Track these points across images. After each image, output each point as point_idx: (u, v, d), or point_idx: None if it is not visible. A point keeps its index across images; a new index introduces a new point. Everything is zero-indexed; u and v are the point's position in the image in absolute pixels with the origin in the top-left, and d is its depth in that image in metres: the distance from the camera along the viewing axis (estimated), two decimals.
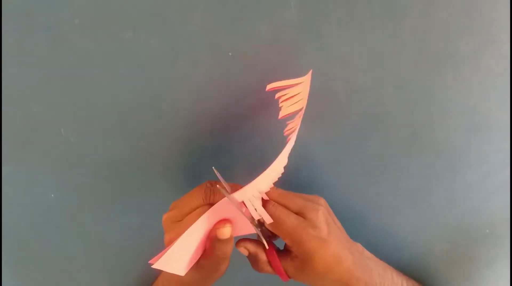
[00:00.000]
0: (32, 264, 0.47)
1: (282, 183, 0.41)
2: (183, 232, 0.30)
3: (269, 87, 0.33)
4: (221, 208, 0.32)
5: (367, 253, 0.38)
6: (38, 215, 0.44)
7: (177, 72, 0.36)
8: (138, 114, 0.38)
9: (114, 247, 0.46)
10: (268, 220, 0.33)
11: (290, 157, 0.38)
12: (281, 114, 0.34)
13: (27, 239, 0.45)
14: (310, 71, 0.34)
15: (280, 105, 0.34)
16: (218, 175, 0.34)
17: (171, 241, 0.32)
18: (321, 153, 0.40)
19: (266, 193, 0.35)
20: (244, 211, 0.33)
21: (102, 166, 0.41)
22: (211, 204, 0.33)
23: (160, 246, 0.35)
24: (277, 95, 0.34)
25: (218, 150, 0.40)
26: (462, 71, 0.35)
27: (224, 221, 0.33)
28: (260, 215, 0.34)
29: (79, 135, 0.39)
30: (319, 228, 0.33)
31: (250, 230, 0.35)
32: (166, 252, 0.30)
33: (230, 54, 0.35)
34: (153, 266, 0.30)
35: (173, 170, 0.41)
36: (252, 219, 0.34)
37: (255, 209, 0.33)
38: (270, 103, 0.37)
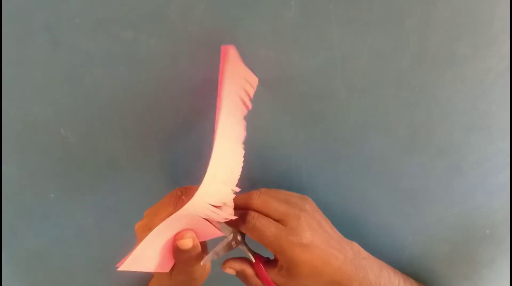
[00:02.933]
0: (32, 264, 0.47)
1: (283, 183, 0.41)
2: None
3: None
4: (187, 215, 0.31)
5: (364, 253, 0.38)
6: (38, 215, 0.44)
7: (177, 72, 0.36)
8: (138, 114, 0.38)
9: (114, 247, 0.46)
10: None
11: (290, 157, 0.38)
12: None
13: (27, 239, 0.45)
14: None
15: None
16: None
17: None
18: (321, 153, 0.40)
19: (249, 201, 0.35)
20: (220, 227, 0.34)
21: (102, 166, 0.41)
22: None
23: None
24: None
25: None
26: (462, 71, 0.35)
27: (184, 232, 0.33)
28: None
29: (79, 135, 0.39)
30: (300, 234, 0.33)
31: (219, 233, 0.35)
32: (129, 255, 0.30)
33: None
34: (118, 269, 0.30)
35: (174, 170, 0.41)
36: (234, 236, 0.35)
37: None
38: (269, 103, 0.37)
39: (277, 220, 0.34)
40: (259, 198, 0.35)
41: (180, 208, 0.32)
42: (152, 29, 0.34)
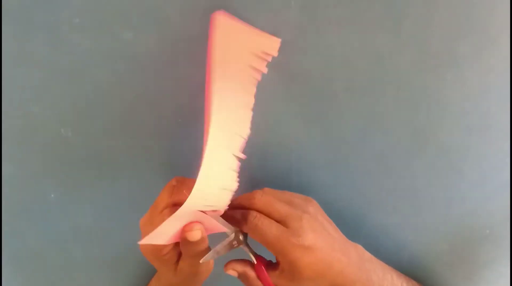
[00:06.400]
0: (32, 264, 0.47)
1: (283, 183, 0.41)
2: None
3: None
4: (192, 208, 0.32)
5: (367, 255, 0.38)
6: (38, 215, 0.44)
7: (177, 72, 0.36)
8: (138, 114, 0.38)
9: (114, 247, 0.47)
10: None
11: (290, 157, 0.38)
12: None
13: (27, 239, 0.45)
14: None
15: None
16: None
17: (145, 248, 0.34)
18: (321, 153, 0.40)
19: (252, 201, 0.35)
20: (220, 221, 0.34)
21: (101, 166, 0.41)
22: (178, 204, 0.33)
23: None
24: None
25: None
26: (462, 71, 0.35)
27: (193, 224, 0.33)
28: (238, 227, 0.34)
29: (79, 135, 0.39)
30: (302, 236, 0.32)
31: (224, 228, 0.35)
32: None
33: None
34: (140, 242, 0.30)
35: (173, 170, 0.41)
36: (236, 236, 0.35)
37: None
38: (270, 103, 0.37)
39: (278, 221, 0.34)
40: (261, 198, 0.35)
41: (175, 196, 0.33)
42: (152, 29, 0.34)
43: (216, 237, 0.35)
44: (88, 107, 0.38)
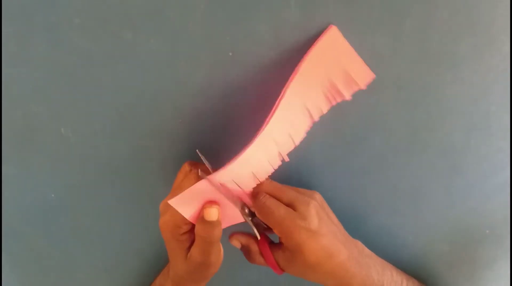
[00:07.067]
0: (32, 264, 0.47)
1: (283, 183, 0.41)
2: (175, 211, 0.32)
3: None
4: (209, 191, 0.32)
5: (367, 251, 0.38)
6: (38, 215, 0.44)
7: (177, 72, 0.36)
8: (138, 114, 0.38)
9: (114, 247, 0.47)
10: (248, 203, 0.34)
11: (290, 157, 0.38)
12: None
13: (27, 239, 0.45)
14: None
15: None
16: (203, 158, 0.35)
17: (164, 223, 0.34)
18: (321, 153, 0.40)
19: (261, 186, 0.36)
20: (232, 197, 0.34)
21: (102, 166, 0.41)
22: None
23: (160, 246, 0.35)
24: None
25: (218, 150, 0.40)
26: (462, 71, 0.35)
27: (210, 202, 0.33)
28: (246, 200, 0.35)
29: (79, 135, 0.39)
30: (309, 220, 0.33)
31: (240, 218, 0.36)
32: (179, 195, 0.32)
33: (230, 54, 0.35)
34: (169, 202, 0.32)
35: (173, 170, 0.41)
36: (242, 208, 0.35)
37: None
38: (270, 102, 0.37)
39: (287, 205, 0.34)
40: (271, 183, 0.36)
41: (199, 178, 0.34)
42: (152, 29, 0.34)
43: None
44: (88, 107, 0.38)
